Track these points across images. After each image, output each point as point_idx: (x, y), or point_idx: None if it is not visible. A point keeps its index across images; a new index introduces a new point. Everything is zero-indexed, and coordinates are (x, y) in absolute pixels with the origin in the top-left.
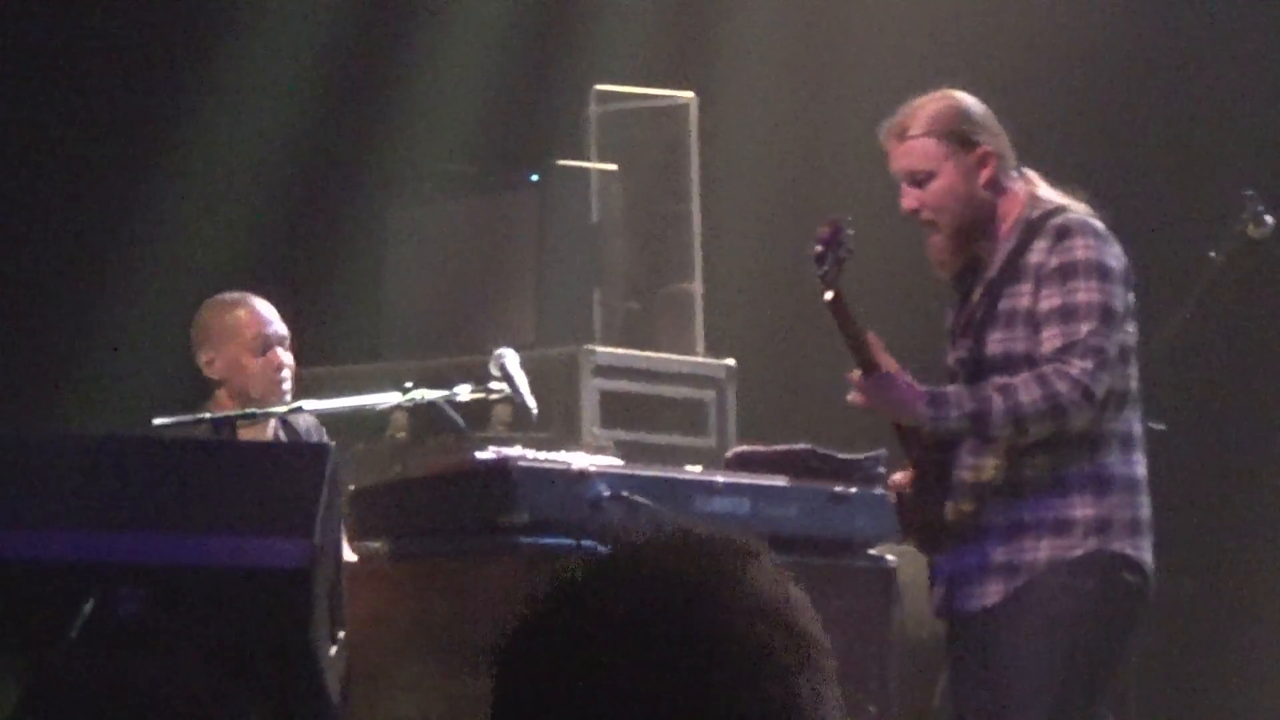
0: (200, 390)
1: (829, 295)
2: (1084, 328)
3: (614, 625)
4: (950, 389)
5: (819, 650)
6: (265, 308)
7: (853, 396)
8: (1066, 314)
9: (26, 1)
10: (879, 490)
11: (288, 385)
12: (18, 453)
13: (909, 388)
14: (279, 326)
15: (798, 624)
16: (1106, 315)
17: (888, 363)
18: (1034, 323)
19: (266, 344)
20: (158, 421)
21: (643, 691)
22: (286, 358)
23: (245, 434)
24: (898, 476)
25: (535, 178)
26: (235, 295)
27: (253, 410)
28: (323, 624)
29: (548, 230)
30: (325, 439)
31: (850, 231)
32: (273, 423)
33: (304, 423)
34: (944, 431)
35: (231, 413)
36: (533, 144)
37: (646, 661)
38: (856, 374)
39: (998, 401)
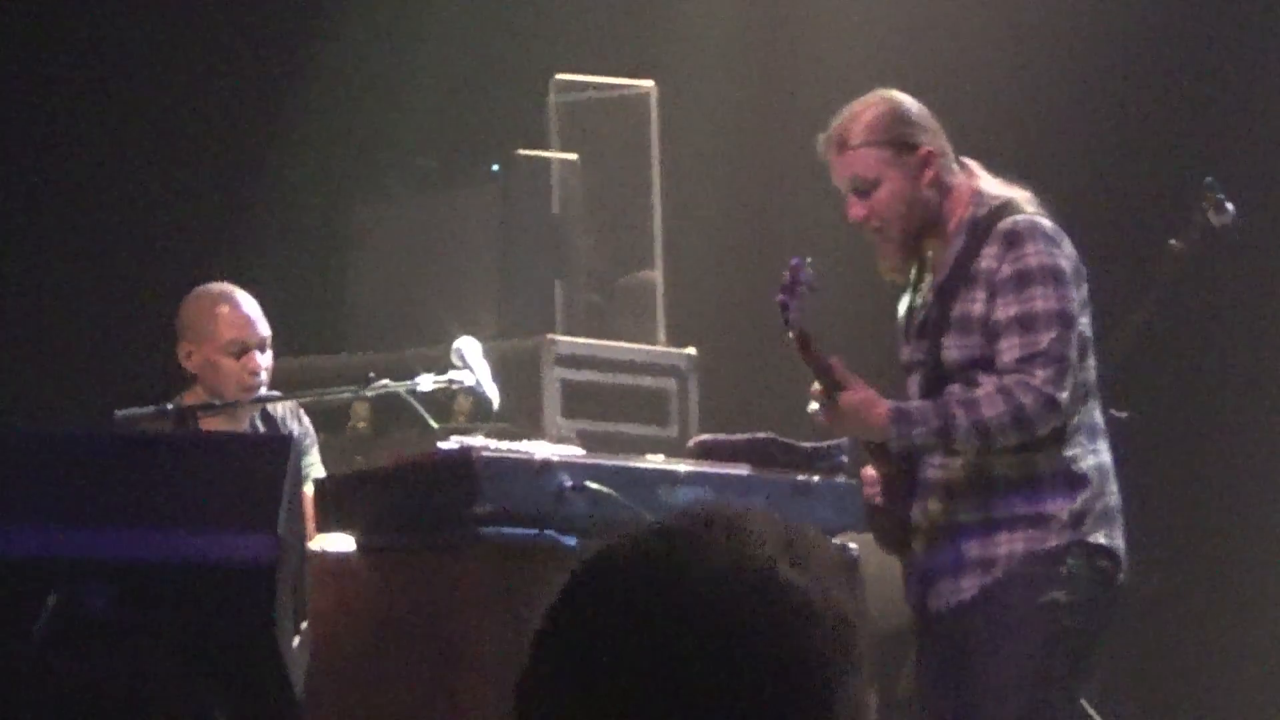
0: (169, 380)
1: (792, 335)
2: (1044, 337)
3: (646, 616)
4: (914, 405)
5: (859, 643)
6: (249, 307)
7: (815, 411)
8: (1026, 323)
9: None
10: (842, 479)
11: (261, 390)
12: None
13: (872, 408)
14: (260, 328)
15: (845, 617)
16: (1065, 320)
17: (854, 384)
18: (991, 330)
19: (244, 348)
20: (119, 413)
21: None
22: (264, 360)
23: (218, 424)
24: (867, 473)
25: (496, 168)
26: (221, 289)
27: (214, 402)
28: (286, 617)
29: (509, 221)
30: (304, 422)
31: (810, 271)
32: (254, 416)
33: (280, 410)
34: (910, 448)
35: (193, 404)
36: (494, 135)
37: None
38: (817, 388)
39: (962, 417)
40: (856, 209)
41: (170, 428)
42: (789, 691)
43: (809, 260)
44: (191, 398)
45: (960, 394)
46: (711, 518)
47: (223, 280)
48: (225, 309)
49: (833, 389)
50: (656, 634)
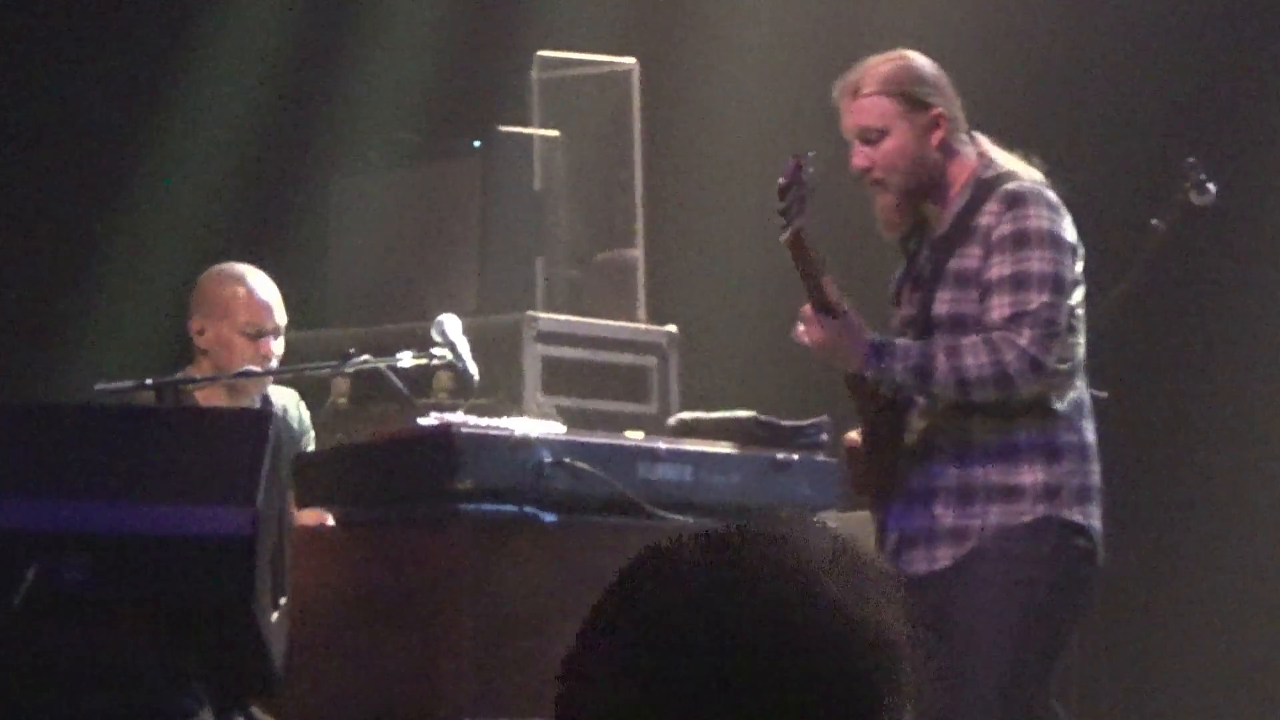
0: (155, 354)
1: (786, 235)
2: (1034, 298)
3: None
4: (898, 341)
5: (904, 667)
6: (268, 292)
7: (800, 331)
8: (1018, 283)
9: None
10: (821, 457)
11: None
12: None
13: (856, 334)
14: (277, 315)
15: (890, 638)
16: (1058, 286)
17: (842, 307)
18: (984, 287)
19: (260, 332)
20: (100, 387)
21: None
22: (276, 347)
23: (219, 401)
24: (852, 435)
25: (478, 144)
26: (244, 269)
27: (196, 376)
28: (266, 591)
29: (490, 197)
30: (304, 414)
31: (811, 169)
32: (254, 398)
33: (280, 399)
34: (886, 383)
35: (175, 379)
36: (475, 111)
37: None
38: (808, 308)
39: (942, 361)
40: (860, 157)
41: (152, 401)
42: (824, 710)
43: (812, 155)
44: (196, 372)
45: (945, 340)
46: (758, 527)
47: (215, 259)
48: (244, 290)
49: (821, 305)
50: (693, 642)
